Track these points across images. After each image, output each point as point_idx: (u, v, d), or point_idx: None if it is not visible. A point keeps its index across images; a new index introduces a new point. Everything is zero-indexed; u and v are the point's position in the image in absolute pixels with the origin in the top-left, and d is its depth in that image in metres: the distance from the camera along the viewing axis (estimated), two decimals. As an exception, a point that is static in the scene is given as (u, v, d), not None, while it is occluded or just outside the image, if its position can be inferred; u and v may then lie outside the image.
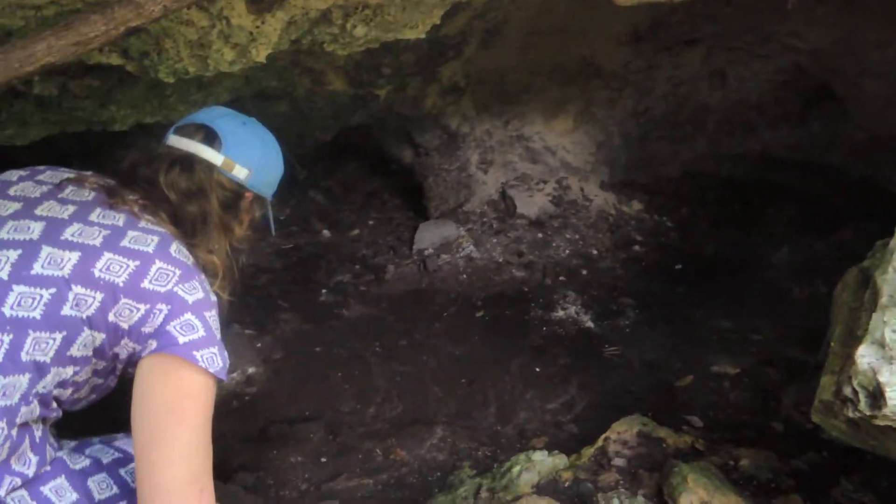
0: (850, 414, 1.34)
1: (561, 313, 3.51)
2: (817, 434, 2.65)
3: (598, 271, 3.88)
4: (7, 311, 1.04)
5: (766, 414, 2.78)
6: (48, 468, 1.11)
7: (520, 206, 4.27)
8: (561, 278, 3.79)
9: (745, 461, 2.33)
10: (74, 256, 1.09)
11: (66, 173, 1.26)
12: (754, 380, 3.00)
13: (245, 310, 3.38)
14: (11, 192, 1.19)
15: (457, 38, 3.54)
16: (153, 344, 1.11)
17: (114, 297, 1.10)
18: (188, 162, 1.23)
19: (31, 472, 1.07)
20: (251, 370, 3.07)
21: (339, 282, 3.85)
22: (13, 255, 1.07)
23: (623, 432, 2.44)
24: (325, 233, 4.32)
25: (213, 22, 1.66)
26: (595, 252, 4.05)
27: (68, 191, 1.20)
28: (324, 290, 3.70)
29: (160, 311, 1.11)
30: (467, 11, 3.33)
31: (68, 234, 1.12)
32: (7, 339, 1.04)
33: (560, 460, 2.25)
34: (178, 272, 1.14)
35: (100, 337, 1.10)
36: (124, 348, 1.13)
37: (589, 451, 2.36)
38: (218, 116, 1.31)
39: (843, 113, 4.00)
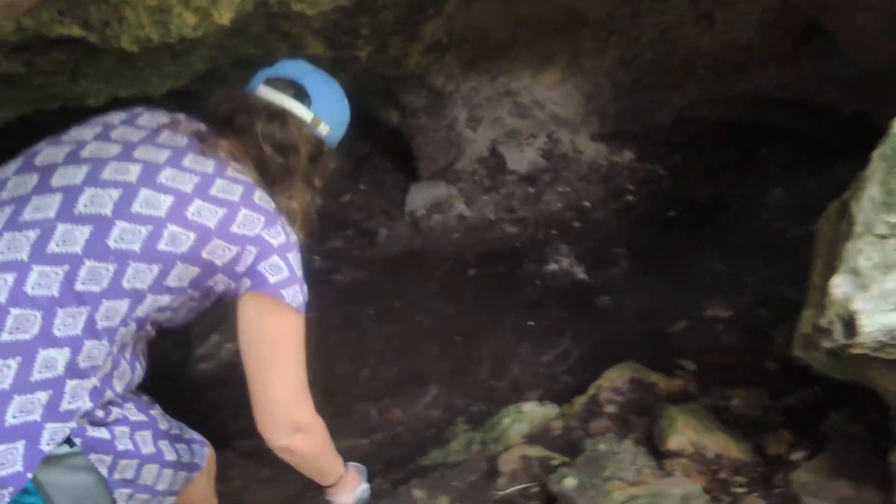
0: (828, 344, 1.33)
1: (553, 266, 3.50)
2: (809, 371, 2.66)
3: (591, 223, 3.86)
4: (111, 244, 1.17)
5: (758, 354, 2.78)
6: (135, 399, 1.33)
7: (510, 162, 4.24)
8: (553, 232, 3.78)
9: (737, 401, 2.35)
10: (168, 200, 1.21)
11: (162, 117, 1.38)
12: (747, 321, 3.00)
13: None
14: (113, 135, 1.30)
15: (437, -7, 3.46)
16: (247, 282, 1.27)
17: (206, 237, 1.23)
18: (283, 116, 1.34)
19: (122, 389, 1.26)
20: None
21: (332, 247, 3.85)
22: (115, 194, 1.19)
23: (615, 380, 2.46)
24: (316, 200, 4.30)
25: (170, -15, 1.64)
26: (587, 204, 4.02)
27: (164, 136, 1.32)
28: (316, 257, 3.70)
29: (250, 252, 1.26)
30: (444, -36, 3.26)
31: (163, 177, 1.23)
32: (111, 268, 1.17)
33: (551, 410, 2.27)
34: (262, 219, 1.27)
35: (194, 270, 1.25)
36: (220, 283, 1.28)
37: (581, 400, 2.38)
38: (306, 73, 1.40)
39: (834, 49, 3.91)
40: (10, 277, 1.12)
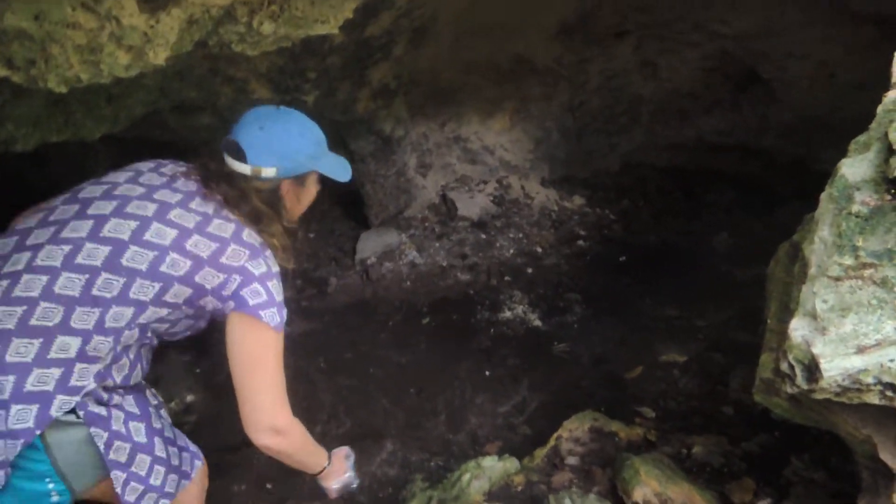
0: (789, 389, 1.29)
1: (508, 314, 3.45)
2: (767, 415, 2.65)
3: (544, 269, 3.84)
4: (124, 262, 1.45)
5: (715, 399, 2.76)
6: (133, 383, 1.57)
7: (461, 209, 4.21)
8: (506, 278, 3.74)
9: (698, 448, 2.30)
10: (174, 233, 1.49)
11: (181, 167, 1.67)
12: (702, 366, 2.99)
13: (180, 333, 3.23)
14: (141, 179, 1.60)
15: (383, 39, 3.46)
16: (232, 304, 1.50)
17: (199, 265, 1.48)
18: (230, 177, 1.59)
19: (119, 381, 1.50)
20: (190, 398, 2.92)
21: (280, 297, 3.71)
22: (133, 224, 1.49)
23: (575, 429, 2.39)
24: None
25: (101, 23, 1.54)
26: (539, 250, 4.01)
27: (179, 182, 1.60)
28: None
29: (234, 279, 1.49)
30: (391, 10, 3.26)
31: (172, 215, 1.52)
32: (122, 280, 1.44)
33: (511, 464, 2.18)
34: (247, 252, 1.52)
35: (188, 291, 1.49)
36: (209, 303, 1.51)
37: (541, 452, 2.30)
38: (242, 127, 1.61)
39: (772, 96, 4.05)
40: (44, 278, 1.41)
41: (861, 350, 1.18)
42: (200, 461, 1.75)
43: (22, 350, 1.36)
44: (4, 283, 1.42)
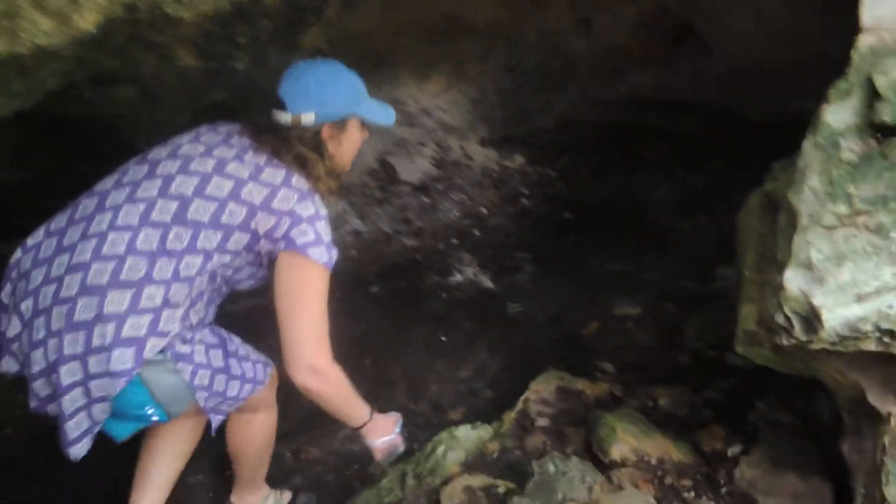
0: (784, 342, 1.30)
1: (458, 277, 3.40)
2: (723, 363, 2.72)
3: (490, 229, 3.80)
4: (189, 216, 1.58)
5: (672, 349, 2.82)
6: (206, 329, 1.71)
7: (401, 173, 4.10)
8: (453, 241, 3.68)
9: (663, 400, 2.33)
10: (230, 184, 1.62)
11: (235, 126, 1.79)
12: (656, 317, 3.04)
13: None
14: (201, 139, 1.74)
15: (317, 1, 3.28)
16: (282, 245, 1.60)
17: (253, 212, 1.60)
18: (276, 128, 1.72)
19: (196, 322, 1.64)
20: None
21: (219, 274, 3.54)
22: (195, 180, 1.61)
23: (541, 390, 2.38)
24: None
25: (19, -18, 1.36)
26: (484, 210, 3.96)
27: (234, 139, 1.72)
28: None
29: (285, 222, 1.60)
30: (325, -32, 3.08)
31: (229, 168, 1.64)
32: (189, 232, 1.57)
33: (485, 432, 2.15)
34: (296, 196, 1.63)
35: (246, 237, 1.61)
36: (264, 247, 1.63)
37: (511, 416, 2.28)
38: (283, 82, 1.77)
39: (705, 49, 4.09)
40: (126, 235, 1.56)
41: (860, 298, 1.18)
42: (271, 367, 1.93)
43: (117, 301, 1.51)
44: (93, 241, 1.56)
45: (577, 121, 4.77)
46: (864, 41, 1.46)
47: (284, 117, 1.70)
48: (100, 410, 1.54)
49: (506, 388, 2.68)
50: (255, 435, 2.00)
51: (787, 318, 1.27)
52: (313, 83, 1.73)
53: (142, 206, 1.58)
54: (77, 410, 1.53)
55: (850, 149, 1.30)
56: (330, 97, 1.72)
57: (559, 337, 2.99)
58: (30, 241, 1.65)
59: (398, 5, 3.86)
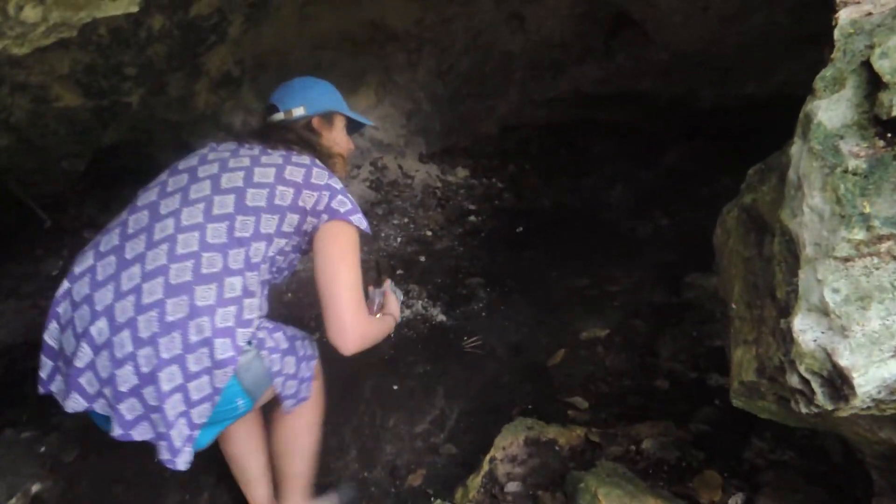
0: (802, 409, 1.01)
1: (406, 312, 3.07)
2: (703, 383, 2.45)
3: (437, 254, 3.48)
4: (249, 203, 1.67)
5: (647, 373, 2.54)
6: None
7: (337, 200, 3.76)
8: (398, 272, 3.35)
9: (647, 443, 2.04)
10: (273, 170, 1.73)
11: (236, 139, 1.89)
12: (625, 337, 2.76)
13: (19, 404, 2.62)
14: (219, 148, 1.84)
15: (214, 18, 2.92)
16: (325, 217, 1.71)
17: (299, 189, 1.71)
18: (273, 127, 1.92)
19: (265, 311, 1.74)
20: (36, 487, 2.35)
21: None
22: (241, 174, 1.72)
23: (508, 446, 2.07)
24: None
25: None
26: (429, 233, 3.64)
27: (245, 146, 1.84)
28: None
29: (325, 195, 1.72)
30: (217, -18, 2.74)
31: (264, 160, 1.77)
32: (252, 219, 1.66)
33: (444, 510, 1.83)
34: (326, 173, 1.78)
35: (296, 217, 1.70)
36: (309, 224, 1.72)
37: (476, 482, 1.96)
38: (271, 96, 2.00)
39: (645, 37, 3.85)
40: (196, 234, 1.61)
41: (898, 352, 0.89)
42: (314, 339, 1.94)
43: (205, 295, 1.55)
44: (164, 245, 1.59)
45: (520, 124, 4.50)
46: (845, 15, 1.18)
47: (278, 116, 1.93)
48: (198, 414, 1.57)
49: (469, 440, 2.37)
50: (305, 427, 1.96)
51: (804, 380, 0.98)
52: (298, 86, 2.00)
53: (201, 206, 1.65)
54: (178, 416, 1.55)
55: (854, 154, 1.02)
56: (314, 95, 1.98)
57: (523, 371, 2.68)
58: (77, 269, 1.64)
59: (313, 16, 3.52)
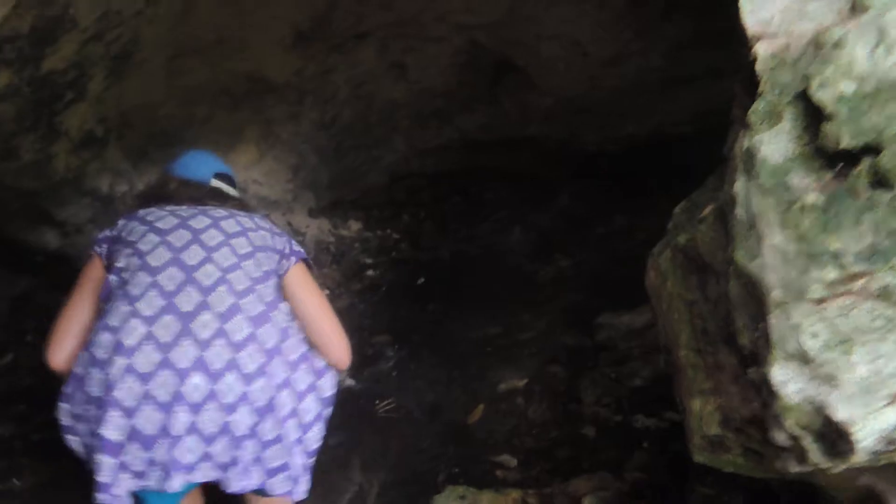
0: (791, 467, 0.94)
1: (311, 380, 2.84)
2: (630, 425, 2.40)
3: (338, 313, 3.27)
4: (255, 243, 1.71)
5: (571, 422, 2.46)
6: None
7: (223, 263, 3.48)
8: (298, 336, 3.12)
9: (587, 500, 1.94)
10: (248, 219, 1.76)
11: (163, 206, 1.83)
12: (544, 384, 2.68)
13: None
14: (175, 209, 1.76)
15: (71, 74, 2.65)
16: (293, 258, 1.75)
17: (271, 235, 1.77)
18: (214, 191, 1.91)
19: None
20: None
21: (1, 439, 2.72)
22: (232, 221, 1.72)
23: (441, 521, 1.90)
24: None
25: None
26: (327, 292, 3.44)
27: (198, 206, 1.79)
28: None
29: (285, 239, 1.79)
30: (73, 32, 2.48)
31: (235, 212, 1.78)
32: (264, 255, 1.70)
33: None
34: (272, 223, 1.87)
35: (276, 258, 1.73)
36: (282, 266, 1.74)
37: (409, 568, 1.77)
38: (176, 167, 2.01)
39: (529, 82, 3.90)
40: (241, 273, 1.63)
41: (893, 398, 0.83)
42: None
43: (279, 320, 1.64)
44: (223, 287, 1.58)
45: (410, 173, 4.42)
46: (763, 49, 1.16)
47: (208, 185, 1.90)
48: (313, 439, 1.67)
49: (394, 518, 2.17)
50: None
51: (793, 437, 0.90)
52: (203, 158, 2.05)
53: (226, 250, 1.64)
54: (294, 444, 1.60)
55: (806, 188, 0.97)
56: (218, 165, 2.02)
57: (443, 431, 2.53)
58: (129, 342, 1.47)
59: (183, 70, 3.30)
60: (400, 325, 3.15)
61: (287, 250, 1.74)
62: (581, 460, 2.22)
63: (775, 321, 0.94)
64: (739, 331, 1.03)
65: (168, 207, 1.74)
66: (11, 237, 3.36)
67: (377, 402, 2.70)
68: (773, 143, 1.03)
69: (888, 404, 0.85)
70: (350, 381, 2.83)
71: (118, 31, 2.71)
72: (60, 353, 1.61)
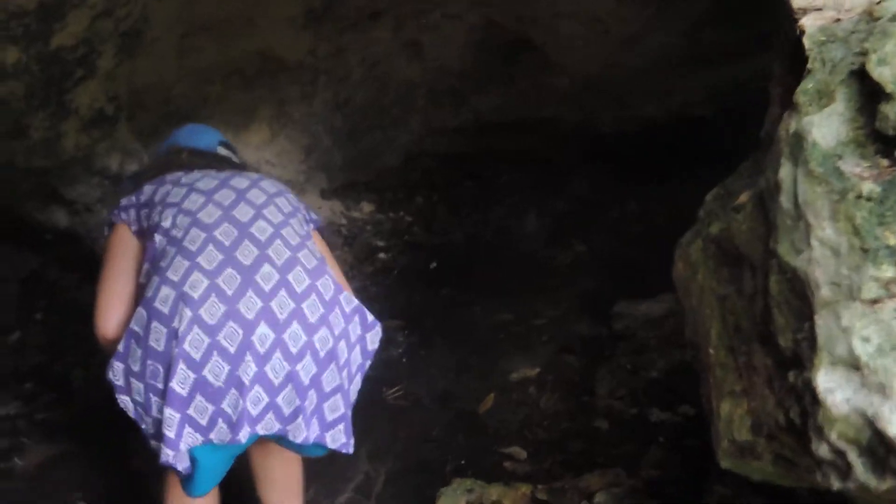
0: (833, 484, 0.86)
1: (321, 365, 2.79)
2: (645, 419, 2.34)
3: (349, 296, 3.23)
4: (291, 203, 1.76)
5: (585, 414, 2.40)
6: None
7: (233, 245, 3.43)
8: (308, 320, 3.07)
9: (599, 496, 1.88)
10: (271, 183, 1.80)
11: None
12: (558, 374, 2.62)
13: None
14: (207, 174, 1.79)
15: (81, 50, 2.60)
16: (311, 225, 1.81)
17: (298, 200, 1.85)
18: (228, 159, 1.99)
19: None
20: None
21: (5, 416, 2.69)
22: (267, 183, 1.78)
23: (450, 515, 1.84)
24: None
25: None
26: (338, 274, 3.38)
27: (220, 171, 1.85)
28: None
29: (304, 206, 1.84)
30: (82, 8, 2.42)
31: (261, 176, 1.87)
32: (300, 217, 1.76)
33: None
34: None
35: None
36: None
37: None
38: (179, 137, 2.09)
39: (545, 62, 3.80)
40: (290, 228, 1.68)
41: (952, 410, 0.75)
42: None
43: (331, 274, 1.70)
44: (278, 241, 1.62)
45: (424, 154, 4.34)
46: (810, 23, 1.07)
47: (216, 151, 1.97)
48: (354, 391, 1.69)
49: (402, 507, 2.12)
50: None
51: (837, 451, 0.83)
52: (202, 130, 2.11)
53: (272, 208, 1.67)
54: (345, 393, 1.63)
55: (859, 176, 0.89)
56: (218, 136, 2.10)
57: (453, 421, 2.47)
58: (195, 293, 1.48)
59: (195, 48, 3.23)
60: (412, 310, 3.09)
61: (307, 217, 1.81)
62: (594, 454, 2.16)
63: (823, 322, 0.86)
64: (780, 330, 0.95)
65: (196, 173, 1.76)
66: (21, 216, 3.32)
67: (386, 388, 2.65)
68: (825, 125, 0.95)
69: (947, 417, 0.78)
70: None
71: (128, 9, 2.65)
72: (112, 319, 1.61)
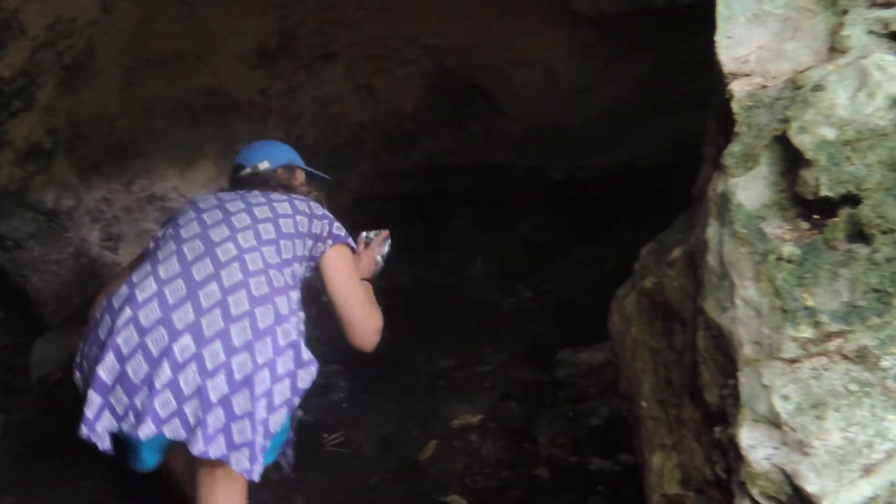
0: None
1: (259, 410, 2.71)
2: (585, 467, 2.33)
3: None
4: (283, 230, 1.81)
5: (526, 462, 2.37)
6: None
7: (173, 283, 3.34)
8: (248, 362, 2.98)
9: (540, 548, 1.84)
10: (286, 204, 1.89)
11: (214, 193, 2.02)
12: (499, 422, 2.59)
13: None
14: (219, 195, 1.94)
15: (20, 81, 2.54)
16: (330, 242, 1.92)
17: (310, 219, 1.89)
18: (253, 177, 2.06)
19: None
20: None
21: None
22: (266, 208, 1.86)
23: (386, 569, 1.78)
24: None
25: None
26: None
27: (240, 191, 1.96)
28: None
29: (326, 223, 1.93)
30: (22, 40, 2.37)
31: (273, 197, 1.92)
32: (290, 243, 1.81)
33: None
34: (320, 205, 1.99)
35: (311, 242, 1.88)
36: (318, 248, 1.91)
37: None
38: (236, 159, 2.18)
39: (497, 109, 3.87)
40: (258, 255, 1.74)
41: (868, 471, 0.77)
42: None
43: (282, 305, 1.70)
44: (235, 264, 1.69)
45: (373, 196, 4.34)
46: (739, 88, 1.11)
47: (245, 171, 2.06)
48: (274, 422, 1.63)
49: (338, 562, 2.05)
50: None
51: (759, 508, 0.83)
52: (258, 146, 2.18)
53: (250, 233, 1.76)
54: (260, 423, 1.59)
55: (781, 237, 0.91)
56: (274, 151, 2.15)
57: (394, 469, 2.42)
58: (141, 296, 1.63)
59: (141, 82, 3.18)
60: (355, 354, 3.03)
61: (325, 234, 1.89)
62: (533, 503, 2.13)
63: (745, 379, 0.87)
64: (706, 386, 0.96)
65: (215, 195, 1.92)
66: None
67: (326, 435, 2.58)
68: (750, 187, 0.98)
69: (862, 476, 0.79)
70: (299, 413, 2.70)
71: (71, 41, 2.60)
72: (94, 309, 1.80)
